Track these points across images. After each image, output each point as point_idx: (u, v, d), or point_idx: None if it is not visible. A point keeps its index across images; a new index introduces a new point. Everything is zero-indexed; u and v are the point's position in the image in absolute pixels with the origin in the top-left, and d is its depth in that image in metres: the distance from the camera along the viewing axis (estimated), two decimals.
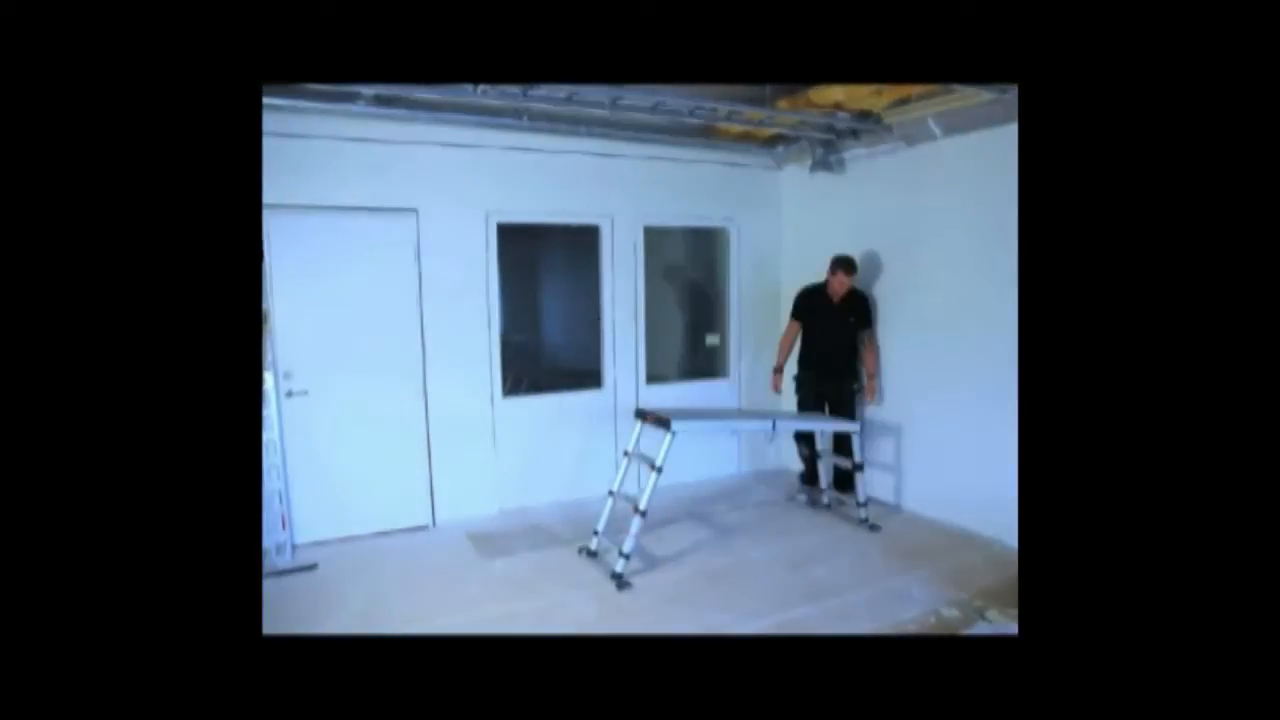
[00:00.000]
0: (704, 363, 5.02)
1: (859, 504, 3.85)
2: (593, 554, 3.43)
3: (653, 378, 4.64)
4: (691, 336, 5.03)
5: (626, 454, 3.47)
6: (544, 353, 4.60)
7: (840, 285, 4.02)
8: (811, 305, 4.18)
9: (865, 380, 4.17)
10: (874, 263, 4.22)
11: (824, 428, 4.01)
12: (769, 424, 3.71)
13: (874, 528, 3.80)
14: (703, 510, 4.20)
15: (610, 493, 3.48)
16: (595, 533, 3.47)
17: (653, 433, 3.39)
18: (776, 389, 4.29)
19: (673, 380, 4.80)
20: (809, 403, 4.19)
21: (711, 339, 5.00)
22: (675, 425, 3.20)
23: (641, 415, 3.48)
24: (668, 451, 3.19)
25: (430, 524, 3.93)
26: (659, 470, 3.18)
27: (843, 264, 4.00)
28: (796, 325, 4.26)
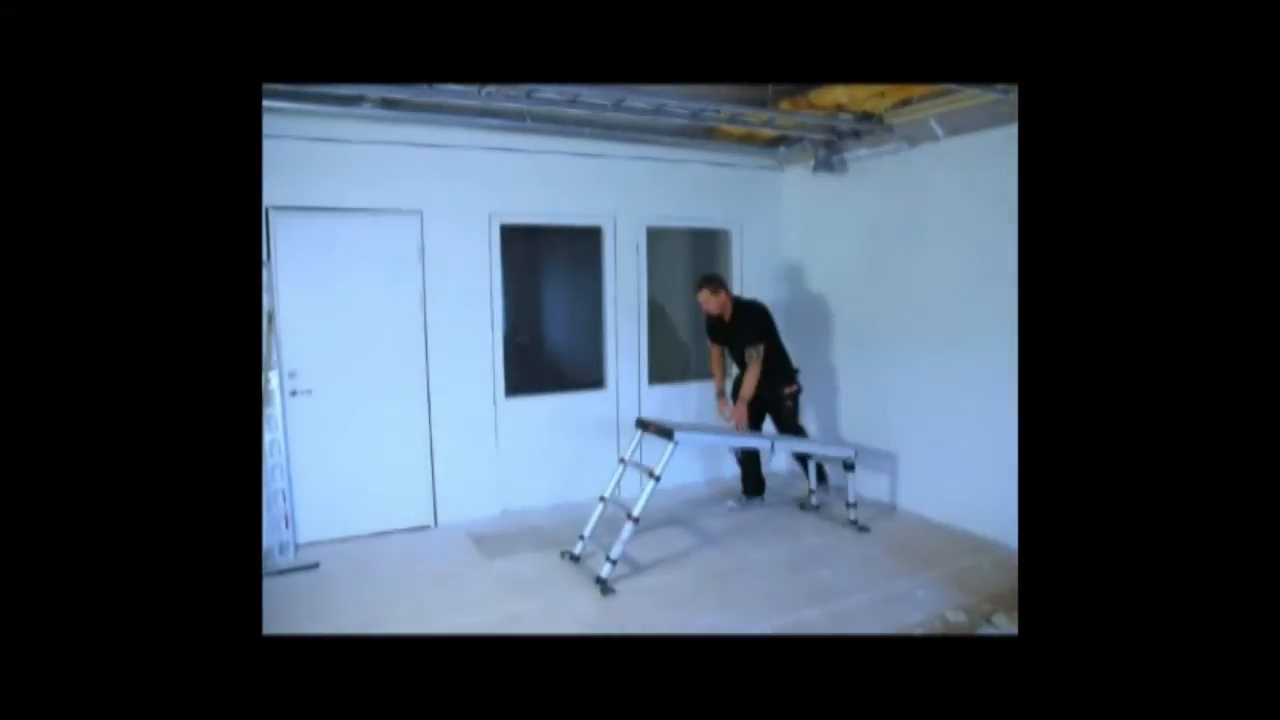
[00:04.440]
0: (707, 364, 5.01)
1: (848, 504, 3.85)
2: (575, 558, 3.41)
3: (655, 378, 4.64)
4: (694, 337, 5.03)
5: (623, 461, 3.46)
6: (546, 353, 4.60)
7: (707, 304, 3.95)
8: (712, 324, 4.11)
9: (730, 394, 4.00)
10: (876, 262, 4.21)
11: (820, 452, 4.13)
12: (767, 443, 3.85)
13: (862, 529, 3.79)
14: (698, 513, 4.18)
15: (602, 498, 3.46)
16: (581, 537, 3.44)
17: (650, 441, 3.43)
18: (724, 414, 4.05)
19: (675, 381, 4.79)
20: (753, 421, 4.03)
21: None
22: (679, 436, 3.23)
23: (643, 425, 3.50)
24: (668, 461, 3.20)
25: (432, 524, 3.94)
26: (657, 479, 3.17)
27: (702, 283, 3.95)
28: (712, 345, 4.20)
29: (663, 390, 4.66)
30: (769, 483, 4.41)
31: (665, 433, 3.28)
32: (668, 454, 3.22)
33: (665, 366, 4.75)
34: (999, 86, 3.12)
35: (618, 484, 3.50)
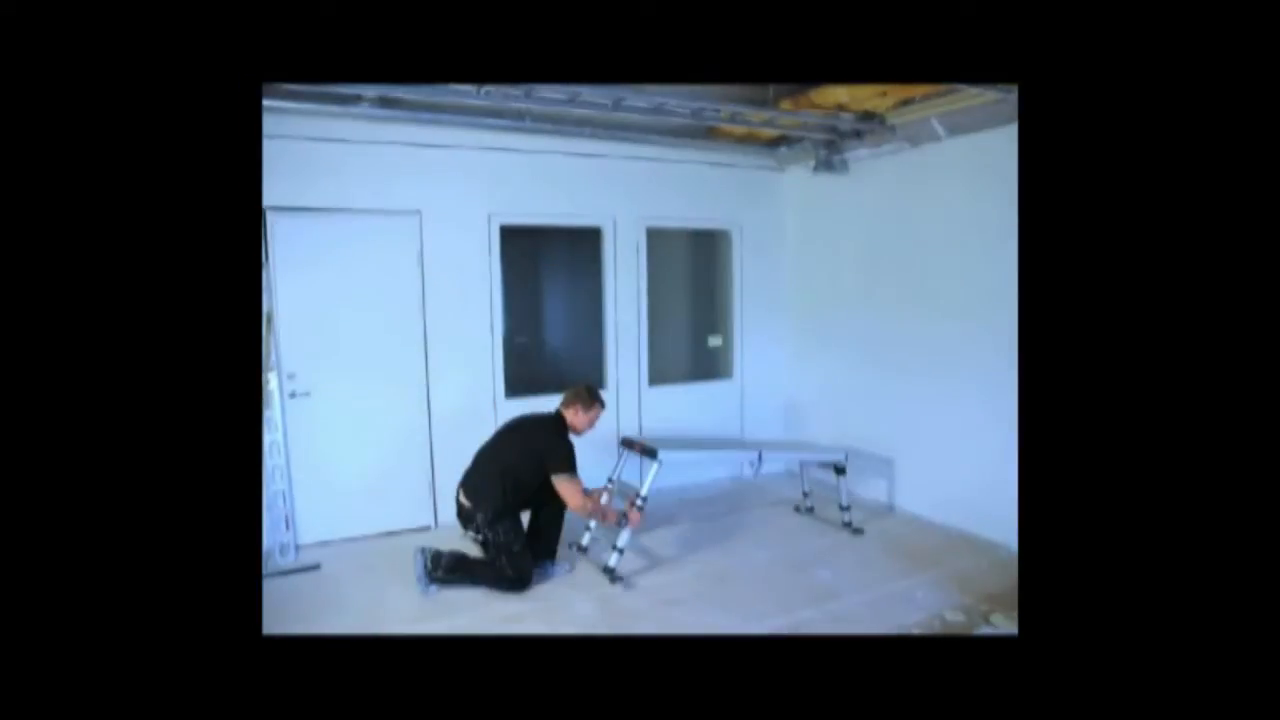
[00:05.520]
0: (707, 364, 5.01)
1: (841, 507, 3.84)
2: (583, 549, 3.45)
3: (655, 379, 4.64)
4: (694, 338, 5.03)
5: (611, 482, 3.45)
6: (546, 354, 4.60)
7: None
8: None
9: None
10: (875, 263, 4.21)
11: (807, 458, 4.07)
12: (754, 454, 3.72)
13: (856, 531, 3.79)
14: (700, 511, 4.20)
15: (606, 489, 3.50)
16: (587, 528, 3.48)
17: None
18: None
19: (675, 381, 4.79)
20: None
21: (714, 340, 5.00)
22: (662, 455, 3.28)
23: (628, 444, 3.53)
24: (653, 481, 3.25)
25: (433, 525, 3.93)
26: (644, 500, 3.19)
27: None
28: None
29: (663, 391, 4.66)
30: (760, 484, 4.42)
31: (650, 452, 3.31)
32: (652, 474, 3.26)
33: (665, 367, 4.75)
34: (1001, 86, 3.11)
35: (618, 477, 3.52)
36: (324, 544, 3.64)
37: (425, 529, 3.91)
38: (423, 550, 3.12)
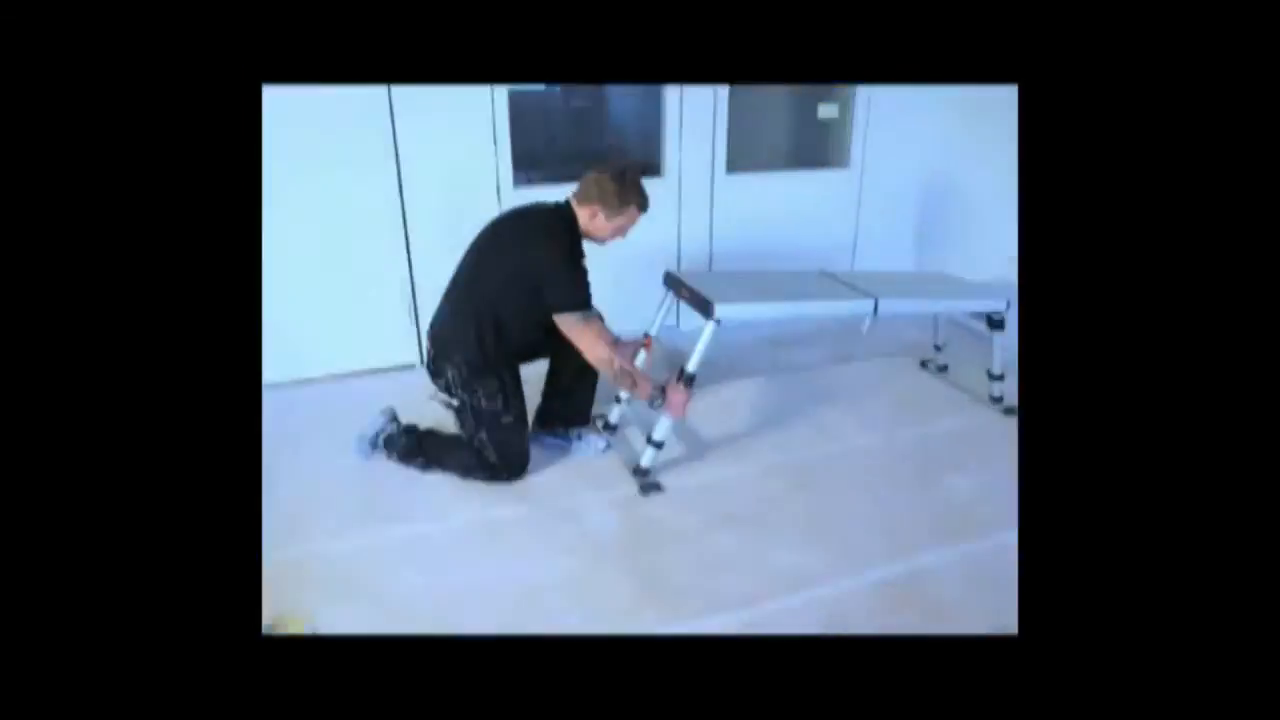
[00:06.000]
0: (813, 144, 3.62)
1: (991, 375, 2.67)
2: (611, 427, 2.48)
3: (735, 164, 3.32)
4: (797, 105, 3.58)
5: (648, 339, 2.36)
6: (574, 118, 3.42)
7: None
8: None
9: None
10: None
11: (945, 307, 2.78)
12: (869, 303, 2.36)
13: (1010, 411, 2.64)
14: (788, 359, 3.10)
15: (646, 336, 2.41)
16: (617, 399, 2.48)
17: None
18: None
19: (765, 169, 3.48)
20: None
21: (826, 110, 3.51)
22: (719, 311, 2.10)
23: (675, 284, 2.33)
24: (706, 347, 2.12)
25: (419, 361, 2.97)
26: (691, 376, 2.09)
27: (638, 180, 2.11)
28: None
29: (746, 180, 3.35)
30: (876, 321, 3.20)
31: (703, 304, 2.13)
32: (705, 337, 2.11)
33: (751, 147, 3.39)
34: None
35: (666, 317, 2.47)
36: (285, 385, 2.81)
37: (409, 367, 2.98)
38: (388, 412, 2.31)
